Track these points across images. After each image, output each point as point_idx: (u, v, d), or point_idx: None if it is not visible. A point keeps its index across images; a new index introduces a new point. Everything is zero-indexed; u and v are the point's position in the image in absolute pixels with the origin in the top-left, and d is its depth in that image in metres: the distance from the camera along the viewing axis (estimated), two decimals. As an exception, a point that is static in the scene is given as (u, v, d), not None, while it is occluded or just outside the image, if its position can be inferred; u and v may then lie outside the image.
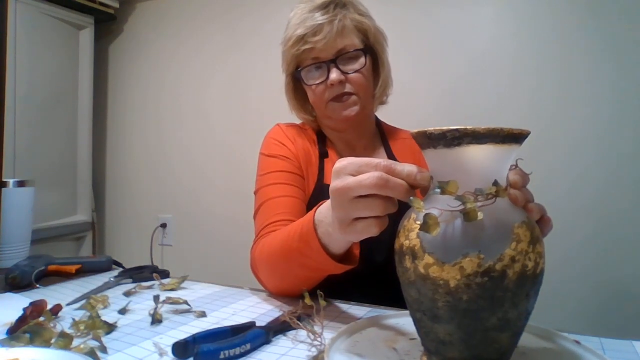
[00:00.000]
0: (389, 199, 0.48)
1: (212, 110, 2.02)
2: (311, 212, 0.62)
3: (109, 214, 2.30)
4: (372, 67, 0.90)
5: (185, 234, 2.08)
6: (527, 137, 0.43)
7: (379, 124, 1.01)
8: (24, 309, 0.59)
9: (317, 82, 0.86)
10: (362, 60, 0.85)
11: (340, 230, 0.52)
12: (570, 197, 1.39)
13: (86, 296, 0.73)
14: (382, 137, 0.99)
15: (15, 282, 0.82)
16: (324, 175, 0.90)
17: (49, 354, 0.45)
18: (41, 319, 0.57)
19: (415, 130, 0.45)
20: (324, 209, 0.59)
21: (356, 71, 0.85)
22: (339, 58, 0.84)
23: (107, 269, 0.99)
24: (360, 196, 0.48)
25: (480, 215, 0.40)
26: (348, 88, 0.85)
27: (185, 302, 0.70)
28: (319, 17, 0.82)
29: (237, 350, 0.51)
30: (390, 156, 0.95)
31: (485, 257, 0.40)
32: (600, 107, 1.39)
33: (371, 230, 0.49)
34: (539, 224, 0.46)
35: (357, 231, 0.50)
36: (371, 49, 0.88)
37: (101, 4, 2.05)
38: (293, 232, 0.65)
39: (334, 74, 0.83)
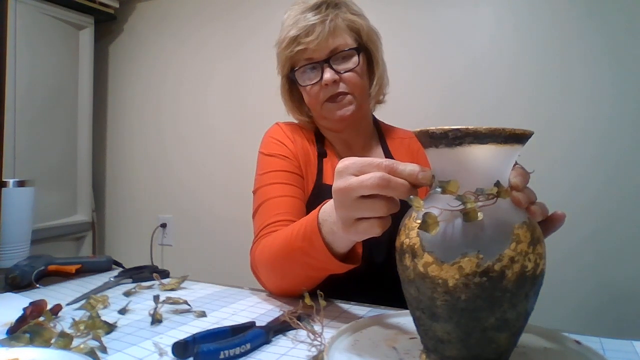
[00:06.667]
0: (392, 199, 0.48)
1: (212, 110, 2.02)
2: (315, 211, 0.62)
3: (109, 214, 2.30)
4: (366, 66, 0.90)
5: (185, 234, 2.08)
6: (529, 137, 0.43)
7: (376, 123, 1.01)
8: (24, 309, 0.59)
9: (312, 82, 0.86)
10: (355, 59, 0.85)
11: (344, 230, 0.52)
12: (570, 197, 1.39)
13: (86, 296, 0.73)
14: (380, 136, 0.99)
15: (15, 282, 0.82)
16: (323, 174, 0.90)
17: (49, 354, 0.45)
18: (41, 319, 0.57)
19: (418, 130, 0.45)
20: (328, 208, 0.59)
21: (350, 70, 0.85)
22: (332, 58, 0.84)
23: (107, 269, 0.99)
24: (363, 196, 0.48)
25: (480, 215, 0.40)
26: (342, 88, 0.85)
27: (185, 302, 0.70)
28: (311, 18, 0.82)
29: (237, 350, 0.51)
30: (388, 155, 0.95)
31: (484, 257, 0.40)
32: (600, 107, 1.39)
33: (374, 230, 0.50)
34: (549, 222, 0.46)
35: (360, 231, 0.50)
36: (365, 48, 0.88)
37: (101, 4, 2.05)
38: (296, 232, 0.65)
39: (328, 74, 0.83)
